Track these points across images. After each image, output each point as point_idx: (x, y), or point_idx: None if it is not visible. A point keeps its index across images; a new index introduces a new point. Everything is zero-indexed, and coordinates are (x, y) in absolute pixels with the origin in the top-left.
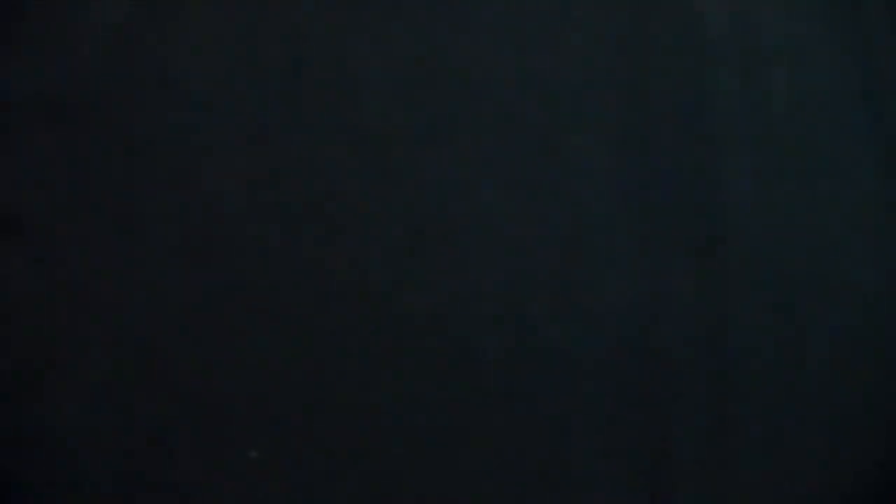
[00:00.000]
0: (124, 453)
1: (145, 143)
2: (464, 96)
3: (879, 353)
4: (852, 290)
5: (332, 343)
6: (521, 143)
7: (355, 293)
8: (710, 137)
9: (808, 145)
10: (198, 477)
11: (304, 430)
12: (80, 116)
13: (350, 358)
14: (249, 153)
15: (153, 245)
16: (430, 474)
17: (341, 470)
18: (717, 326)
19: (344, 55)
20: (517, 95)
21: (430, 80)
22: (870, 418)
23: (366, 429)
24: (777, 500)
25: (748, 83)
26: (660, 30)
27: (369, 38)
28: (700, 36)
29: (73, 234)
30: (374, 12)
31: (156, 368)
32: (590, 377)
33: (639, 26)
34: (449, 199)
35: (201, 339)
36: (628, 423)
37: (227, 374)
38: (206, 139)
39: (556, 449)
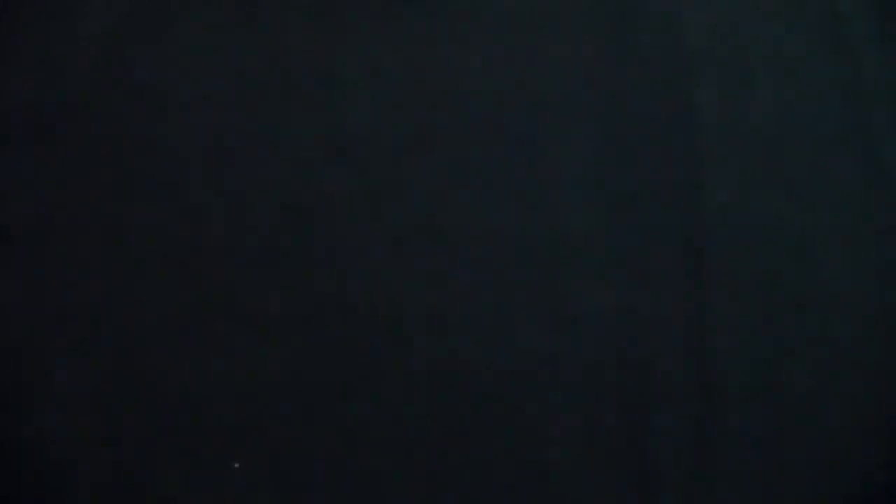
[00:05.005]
0: (111, 463)
1: (132, 154)
2: (447, 106)
3: (864, 362)
4: (837, 299)
5: (315, 352)
6: (505, 152)
7: (338, 302)
8: (694, 148)
9: (792, 156)
10: (183, 487)
11: (289, 438)
12: (67, 128)
13: (333, 366)
14: (236, 164)
15: (140, 256)
16: (414, 480)
17: (326, 478)
18: (700, 336)
19: (330, 66)
20: (501, 106)
21: (414, 91)
22: (855, 428)
23: (350, 436)
24: None
25: (732, 93)
26: (644, 41)
27: (356, 50)
28: (684, 47)
29: (61, 246)
30: (361, 24)
31: (142, 379)
32: (574, 385)
33: (623, 37)
34: (432, 209)
35: (187, 349)
36: (612, 431)
37: (213, 384)
38: (192, 149)
39: (540, 457)
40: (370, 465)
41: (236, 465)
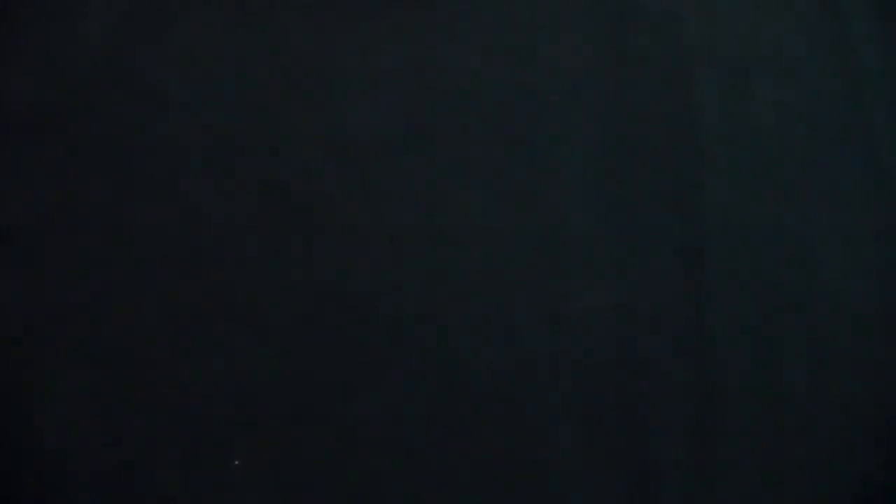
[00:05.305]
0: (111, 463)
1: (132, 153)
2: (448, 105)
3: (864, 362)
4: (837, 299)
5: (315, 351)
6: (505, 151)
7: (338, 301)
8: (694, 146)
9: (791, 154)
10: (183, 487)
11: (288, 437)
12: (67, 128)
13: (333, 365)
14: (235, 163)
15: (139, 255)
16: (414, 480)
17: (325, 477)
18: (699, 335)
19: (331, 66)
20: (502, 104)
21: (415, 90)
22: (855, 428)
23: (349, 434)
24: None
25: (732, 92)
26: (644, 41)
27: (356, 49)
28: (684, 45)
29: (61, 246)
30: (361, 25)
31: (142, 379)
32: (574, 385)
33: (623, 36)
34: (433, 207)
35: (186, 348)
36: (610, 430)
37: (213, 384)
38: (192, 149)
39: (539, 456)
40: (370, 465)
41: (236, 463)
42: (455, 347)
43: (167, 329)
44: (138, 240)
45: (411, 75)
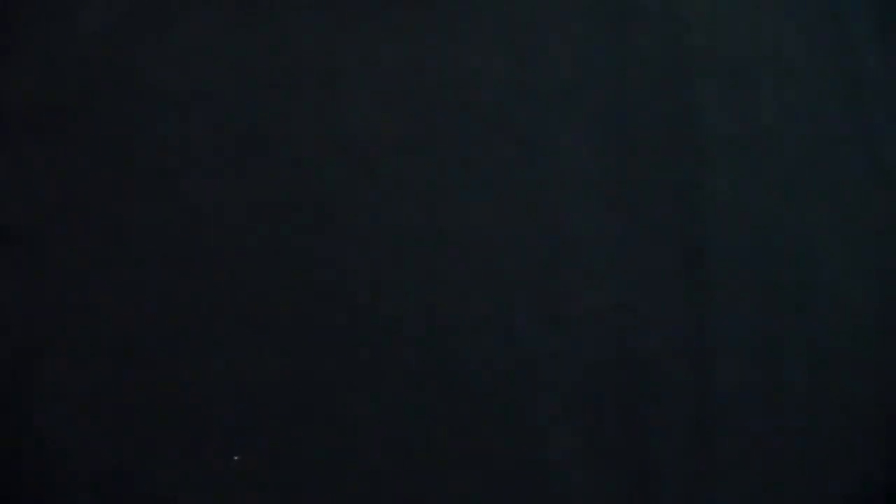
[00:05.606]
0: (111, 463)
1: (133, 151)
2: (448, 105)
3: (864, 362)
4: (837, 299)
5: (314, 350)
6: (505, 151)
7: (338, 302)
8: (696, 147)
9: (792, 154)
10: (183, 487)
11: (288, 435)
12: (68, 128)
13: (332, 365)
14: (236, 162)
15: (139, 255)
16: (414, 480)
17: (323, 475)
18: (700, 336)
19: (331, 65)
20: (503, 104)
21: (417, 89)
22: (855, 428)
23: (348, 434)
24: None
25: (732, 93)
26: (644, 41)
27: (356, 49)
28: (685, 46)
29: (61, 243)
30: (362, 24)
31: (142, 378)
32: (574, 385)
33: (625, 36)
34: (432, 207)
35: (187, 349)
36: (612, 431)
37: (212, 383)
38: (194, 147)
39: (538, 457)
40: (370, 464)
41: (235, 458)
42: (455, 347)
43: (167, 329)
44: (138, 240)
45: (411, 75)
